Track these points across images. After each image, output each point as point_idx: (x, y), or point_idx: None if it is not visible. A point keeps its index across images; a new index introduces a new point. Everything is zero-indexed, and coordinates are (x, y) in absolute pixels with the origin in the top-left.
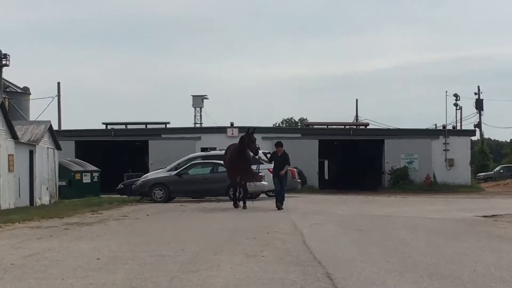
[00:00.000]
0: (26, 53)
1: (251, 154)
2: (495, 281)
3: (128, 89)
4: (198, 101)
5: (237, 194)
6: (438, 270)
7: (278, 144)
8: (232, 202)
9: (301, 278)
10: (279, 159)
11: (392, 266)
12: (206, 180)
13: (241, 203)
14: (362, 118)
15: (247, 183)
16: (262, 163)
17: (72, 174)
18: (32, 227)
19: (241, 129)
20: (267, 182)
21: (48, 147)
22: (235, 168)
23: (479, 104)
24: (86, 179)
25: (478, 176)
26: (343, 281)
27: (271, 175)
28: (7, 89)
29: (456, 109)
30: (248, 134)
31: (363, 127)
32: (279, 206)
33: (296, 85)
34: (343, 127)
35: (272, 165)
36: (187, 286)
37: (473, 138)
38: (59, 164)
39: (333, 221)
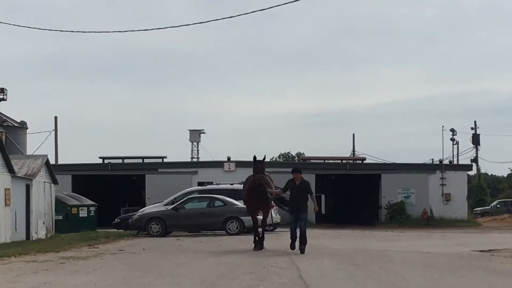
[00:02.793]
0: (23, 87)
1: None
2: None
3: (125, 123)
4: (195, 135)
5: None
6: None
7: (296, 171)
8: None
9: None
10: (298, 189)
11: None
12: (203, 214)
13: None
14: (359, 152)
15: (266, 220)
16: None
17: (69, 208)
18: (28, 261)
19: (238, 163)
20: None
21: (44, 181)
22: (253, 203)
23: (475, 139)
24: (83, 213)
25: (475, 210)
26: None
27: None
28: (4, 123)
29: (453, 144)
30: (254, 162)
31: (360, 161)
32: (296, 247)
33: (293, 120)
34: (340, 161)
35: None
36: None
37: (470, 172)
38: (56, 198)
39: (329, 255)
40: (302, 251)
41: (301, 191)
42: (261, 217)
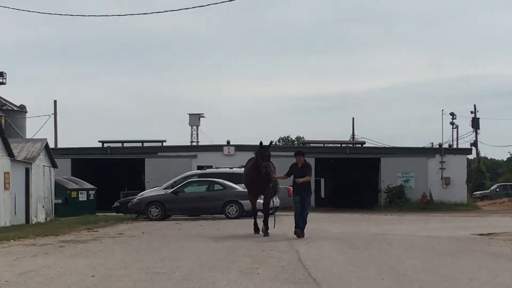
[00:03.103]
0: (22, 71)
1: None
2: None
3: (124, 107)
4: (195, 119)
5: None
6: (433, 287)
7: (298, 153)
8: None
9: None
10: (301, 172)
11: (388, 284)
12: (202, 198)
13: (262, 227)
14: (359, 136)
15: (268, 205)
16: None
17: (68, 192)
18: (27, 245)
19: (237, 147)
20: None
21: (44, 165)
22: (254, 187)
23: (475, 123)
24: (82, 197)
25: (475, 194)
26: None
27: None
28: (4, 107)
29: (453, 128)
30: (261, 147)
31: (360, 145)
32: (299, 233)
33: (293, 104)
34: (339, 145)
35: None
36: None
37: (470, 156)
38: (55, 182)
39: (329, 239)
40: (297, 234)
41: (304, 173)
42: (261, 201)
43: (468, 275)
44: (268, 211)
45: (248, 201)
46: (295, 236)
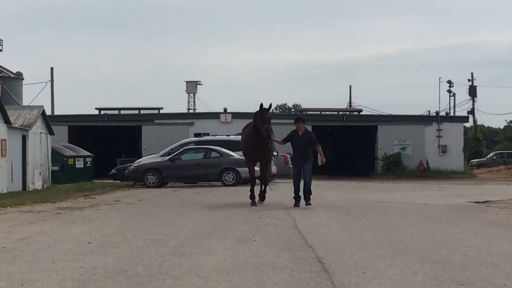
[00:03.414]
0: (19, 38)
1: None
2: (485, 265)
3: (121, 74)
4: (192, 87)
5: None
6: (429, 254)
7: (299, 120)
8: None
9: (292, 262)
10: (301, 140)
11: (384, 251)
12: (199, 165)
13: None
14: (356, 104)
15: (266, 174)
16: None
17: (65, 159)
18: (24, 212)
19: (234, 114)
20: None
21: (41, 132)
22: (252, 152)
23: (472, 91)
24: (79, 164)
25: (471, 162)
26: (334, 265)
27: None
28: (0, 74)
29: (450, 96)
30: (261, 110)
31: (357, 113)
32: (297, 204)
33: (290, 72)
34: (336, 113)
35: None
36: (178, 269)
37: (466, 124)
38: (52, 149)
39: (325, 206)
40: (309, 205)
41: (304, 142)
42: (259, 169)
43: (465, 243)
44: (266, 179)
45: (245, 168)
46: (294, 205)
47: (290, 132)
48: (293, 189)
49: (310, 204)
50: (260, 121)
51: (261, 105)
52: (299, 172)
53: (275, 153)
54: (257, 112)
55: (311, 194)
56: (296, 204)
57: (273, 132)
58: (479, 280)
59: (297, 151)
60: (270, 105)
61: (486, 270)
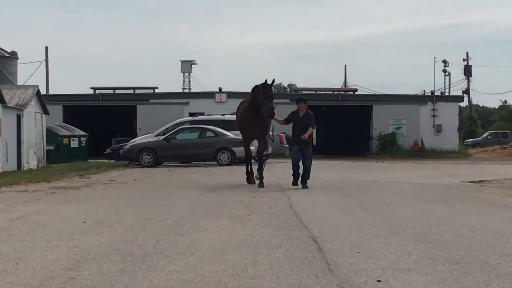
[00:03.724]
0: (14, 17)
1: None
2: (479, 245)
3: (117, 54)
4: (187, 66)
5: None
6: (423, 234)
7: (300, 100)
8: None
9: (287, 242)
10: (301, 121)
11: (378, 230)
12: (194, 145)
13: (256, 176)
14: (351, 84)
15: (263, 152)
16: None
17: (60, 138)
18: (19, 191)
19: (229, 94)
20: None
21: (35, 112)
22: (249, 130)
23: (467, 71)
24: (74, 143)
25: (466, 142)
26: (329, 244)
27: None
28: None
29: (445, 75)
30: (264, 87)
31: (352, 92)
32: (296, 182)
33: (285, 51)
34: (331, 92)
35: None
36: (172, 249)
37: (461, 104)
38: (47, 129)
39: (320, 186)
40: (305, 187)
41: (305, 123)
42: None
43: (459, 222)
44: (263, 158)
45: (240, 148)
46: (292, 184)
47: (291, 113)
48: (291, 168)
49: (306, 187)
50: (263, 98)
51: (266, 81)
52: (298, 152)
53: (271, 133)
54: (257, 87)
55: (308, 178)
56: (295, 182)
57: (274, 107)
58: (474, 259)
59: (297, 132)
60: (273, 81)
61: (480, 249)
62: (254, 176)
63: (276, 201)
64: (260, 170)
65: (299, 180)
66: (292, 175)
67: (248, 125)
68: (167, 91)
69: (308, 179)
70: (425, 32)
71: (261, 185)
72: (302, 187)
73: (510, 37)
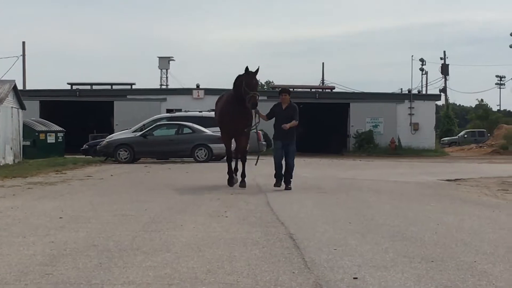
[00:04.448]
0: None
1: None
2: (456, 243)
3: (94, 49)
4: (164, 62)
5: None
6: (400, 231)
7: (284, 91)
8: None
9: (264, 238)
10: (285, 113)
11: (355, 228)
12: (171, 141)
13: (237, 177)
14: (328, 81)
15: (246, 149)
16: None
17: (37, 134)
18: None
19: (207, 91)
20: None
21: (12, 107)
22: (230, 124)
23: (444, 69)
24: (51, 139)
25: (443, 140)
26: (306, 241)
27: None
28: None
29: (422, 74)
30: (247, 74)
31: (329, 90)
32: (279, 184)
33: (263, 48)
34: (309, 90)
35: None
36: (149, 245)
37: (438, 102)
38: (24, 124)
39: (297, 183)
40: (289, 189)
41: (289, 115)
42: (237, 145)
43: (435, 220)
44: (245, 156)
45: (218, 145)
46: (275, 187)
47: (273, 106)
48: (273, 167)
49: (290, 188)
50: (246, 86)
51: (247, 68)
52: (282, 149)
53: (254, 130)
54: (240, 76)
55: (291, 178)
56: (277, 184)
57: (258, 97)
58: (449, 257)
59: (279, 125)
60: (258, 69)
61: (456, 248)
62: (235, 178)
63: (253, 198)
64: (243, 170)
65: (282, 180)
66: (274, 176)
67: (229, 119)
68: (144, 87)
69: (291, 178)
70: (403, 31)
71: (242, 184)
72: (285, 188)
73: (487, 36)
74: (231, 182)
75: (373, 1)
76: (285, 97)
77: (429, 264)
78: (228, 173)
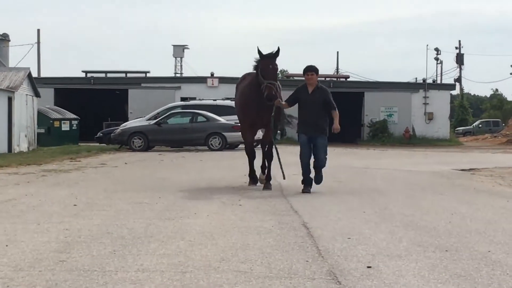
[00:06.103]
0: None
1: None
2: (470, 232)
3: (109, 37)
4: (179, 51)
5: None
6: (414, 221)
7: (309, 70)
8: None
9: (277, 227)
10: (311, 99)
11: (369, 217)
12: (185, 129)
13: (259, 175)
14: (343, 70)
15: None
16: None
17: (51, 121)
18: (9, 173)
19: (221, 79)
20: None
21: (27, 94)
22: (251, 115)
23: (459, 59)
24: (65, 127)
25: (457, 130)
26: (319, 230)
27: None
28: None
29: (437, 63)
30: (263, 58)
31: (344, 79)
32: (307, 190)
33: (277, 37)
34: (323, 79)
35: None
36: (163, 232)
37: (453, 92)
38: (38, 112)
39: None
40: (306, 190)
41: (317, 101)
42: (260, 138)
43: (449, 210)
44: (271, 152)
45: (232, 133)
46: (302, 191)
47: (296, 89)
48: (301, 167)
49: (320, 182)
50: (261, 74)
51: (258, 50)
52: (309, 145)
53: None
54: (257, 61)
55: (321, 181)
56: (306, 189)
57: (279, 91)
58: (464, 246)
59: (306, 114)
60: (278, 51)
61: (471, 237)
62: (258, 175)
63: None
64: (268, 169)
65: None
66: (302, 182)
67: (248, 109)
68: (159, 76)
69: (321, 182)
70: (418, 20)
71: (268, 186)
72: (314, 181)
73: (503, 26)
74: (253, 181)
75: None
76: (312, 76)
77: (443, 254)
78: (249, 175)
